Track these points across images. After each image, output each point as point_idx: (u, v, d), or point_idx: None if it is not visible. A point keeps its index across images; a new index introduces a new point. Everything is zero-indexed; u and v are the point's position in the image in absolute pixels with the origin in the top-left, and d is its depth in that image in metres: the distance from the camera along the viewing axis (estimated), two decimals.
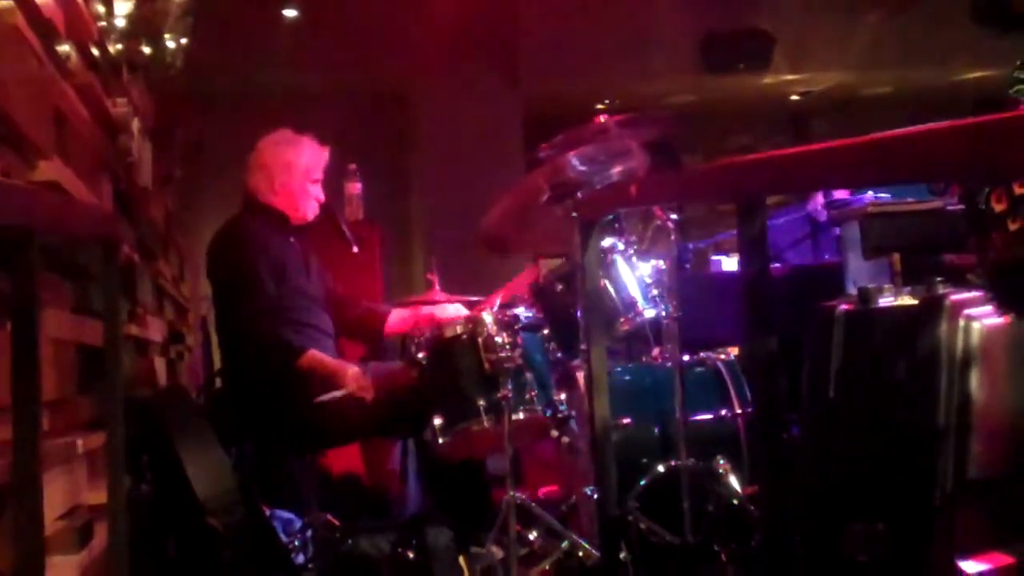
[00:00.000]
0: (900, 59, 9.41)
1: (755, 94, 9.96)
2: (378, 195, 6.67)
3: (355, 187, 6.03)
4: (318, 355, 3.95)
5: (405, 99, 9.06)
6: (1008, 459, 2.53)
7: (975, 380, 2.49)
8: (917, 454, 2.52)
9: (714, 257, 7.45)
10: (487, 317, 3.80)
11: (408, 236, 8.90)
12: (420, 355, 3.84)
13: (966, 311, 2.52)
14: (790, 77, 9.54)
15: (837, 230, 5.98)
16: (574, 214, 3.42)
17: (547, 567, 3.72)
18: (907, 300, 2.69)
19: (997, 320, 2.55)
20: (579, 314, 3.65)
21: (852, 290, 3.07)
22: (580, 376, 3.87)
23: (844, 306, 2.78)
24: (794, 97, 10.28)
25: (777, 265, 6.11)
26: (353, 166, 6.02)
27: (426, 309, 4.48)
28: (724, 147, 10.40)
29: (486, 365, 3.73)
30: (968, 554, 2.46)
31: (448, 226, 7.44)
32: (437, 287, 4.53)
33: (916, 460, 2.52)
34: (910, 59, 9.40)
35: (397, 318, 4.50)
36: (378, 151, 8.13)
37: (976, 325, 2.51)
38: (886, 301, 2.71)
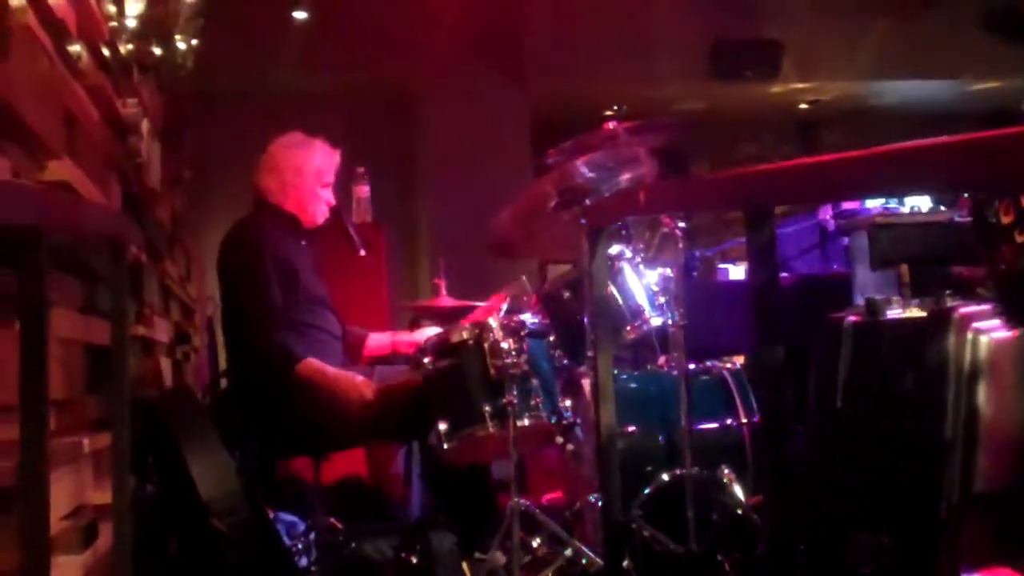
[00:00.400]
0: (910, 68, 9.40)
1: (764, 102, 9.96)
2: (385, 198, 6.67)
3: (363, 190, 6.04)
4: (317, 364, 3.93)
5: (412, 102, 9.06)
6: (1015, 473, 2.52)
7: (983, 393, 2.48)
8: (923, 466, 2.52)
9: (721, 265, 7.45)
10: (493, 323, 3.79)
11: (415, 239, 8.90)
12: (426, 360, 3.84)
13: (974, 324, 2.52)
14: (799, 85, 9.53)
15: (845, 240, 5.97)
16: (582, 220, 3.42)
17: (550, 574, 3.71)
18: (915, 312, 2.68)
19: (1005, 334, 2.54)
20: (585, 321, 3.65)
21: (860, 301, 3.07)
22: (586, 383, 3.87)
23: (852, 317, 2.77)
24: (803, 105, 10.27)
25: (785, 274, 6.10)
26: (361, 169, 6.03)
27: (403, 336, 4.51)
28: (732, 155, 10.39)
29: (492, 371, 3.72)
30: (973, 568, 2.45)
31: (455, 230, 7.45)
32: (444, 291, 4.54)
33: (922, 472, 2.52)
34: (920, 68, 9.39)
35: (375, 343, 4.52)
36: (385, 154, 8.13)
37: (984, 338, 2.50)
38: (894, 313, 2.71)
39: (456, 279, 4.70)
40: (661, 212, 3.78)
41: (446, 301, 4.53)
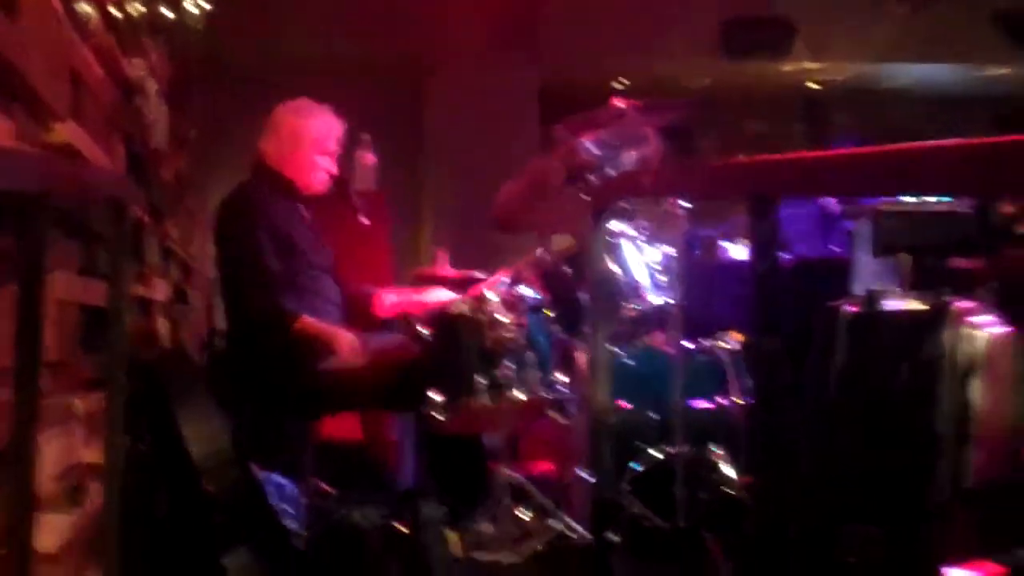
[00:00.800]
0: (922, 52, 9.35)
1: (774, 81, 9.90)
2: (390, 166, 6.65)
3: (368, 157, 6.02)
4: (310, 321, 3.93)
5: (423, 72, 9.02)
6: (1005, 469, 2.53)
7: (976, 389, 2.49)
8: (915, 459, 2.52)
9: (721, 244, 7.43)
10: (492, 296, 3.79)
11: (419, 208, 8.88)
12: (424, 330, 3.85)
13: (971, 319, 2.52)
14: (810, 66, 9.48)
15: (848, 224, 5.95)
16: (585, 196, 3.41)
17: (538, 546, 3.73)
18: (914, 305, 2.68)
19: (1001, 330, 2.54)
20: (584, 297, 3.64)
21: (858, 287, 3.07)
22: (581, 358, 3.87)
23: (850, 307, 2.77)
24: (813, 85, 10.21)
25: (786, 256, 6.08)
26: (367, 136, 6.00)
27: (411, 297, 4.50)
28: (740, 133, 10.33)
29: (488, 343, 3.73)
30: (960, 562, 2.46)
31: (459, 200, 7.44)
32: (446, 261, 4.53)
33: (914, 465, 2.53)
34: (932, 53, 9.34)
35: (386, 303, 4.51)
36: (392, 122, 8.10)
37: (980, 334, 2.50)
38: (892, 304, 2.71)
39: (459, 249, 4.69)
40: (665, 196, 3.77)
41: (448, 271, 4.52)
